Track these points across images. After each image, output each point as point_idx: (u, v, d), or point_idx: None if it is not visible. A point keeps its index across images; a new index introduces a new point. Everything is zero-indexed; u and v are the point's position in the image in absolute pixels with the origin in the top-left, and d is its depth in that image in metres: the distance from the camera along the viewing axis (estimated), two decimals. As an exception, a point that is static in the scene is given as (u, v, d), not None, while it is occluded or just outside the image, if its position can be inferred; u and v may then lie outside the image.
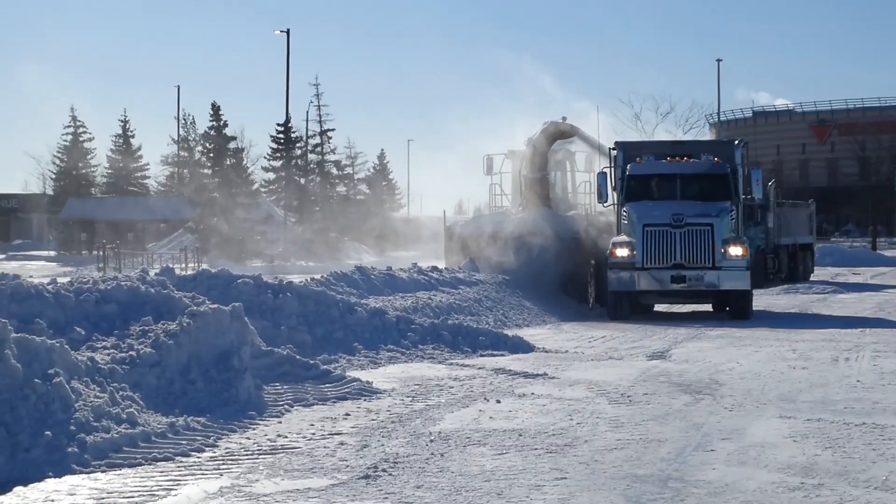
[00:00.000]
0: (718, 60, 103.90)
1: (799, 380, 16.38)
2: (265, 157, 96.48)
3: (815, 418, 12.93)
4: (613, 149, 31.44)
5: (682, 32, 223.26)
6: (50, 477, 9.93)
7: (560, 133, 35.31)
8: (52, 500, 9.24)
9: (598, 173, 31.46)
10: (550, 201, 34.73)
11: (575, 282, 31.64)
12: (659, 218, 28.46)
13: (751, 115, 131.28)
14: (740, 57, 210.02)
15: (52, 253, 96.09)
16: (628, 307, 28.78)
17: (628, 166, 30.30)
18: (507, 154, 36.39)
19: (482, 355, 19.81)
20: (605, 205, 31.60)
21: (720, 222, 28.35)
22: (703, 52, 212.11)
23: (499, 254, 32.06)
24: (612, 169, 30.99)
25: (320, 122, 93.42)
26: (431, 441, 11.59)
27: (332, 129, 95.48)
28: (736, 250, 28.23)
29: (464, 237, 33.77)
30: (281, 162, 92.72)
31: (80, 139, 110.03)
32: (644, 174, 30.03)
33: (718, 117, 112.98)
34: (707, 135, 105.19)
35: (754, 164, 31.94)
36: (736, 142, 32.01)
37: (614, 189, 30.75)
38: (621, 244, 28.66)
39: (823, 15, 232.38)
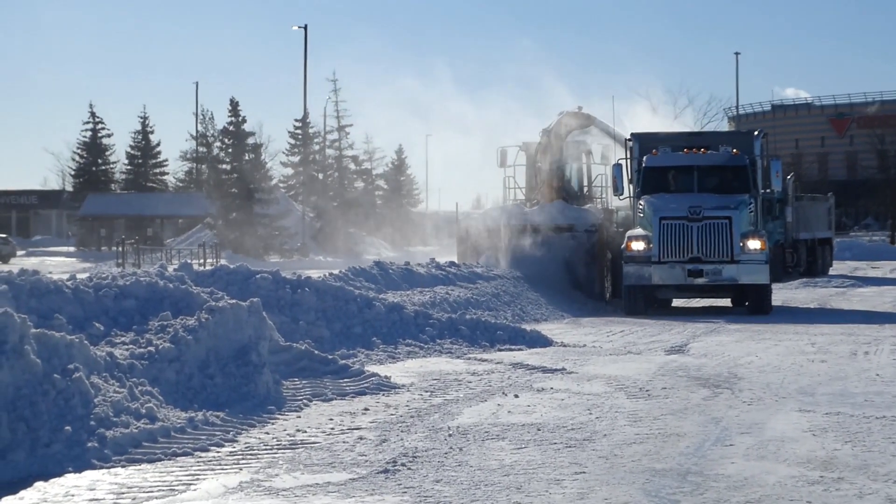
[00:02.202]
0: (737, 54, 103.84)
1: (818, 373, 16.35)
2: (283, 153, 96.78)
3: (835, 412, 12.90)
4: (630, 140, 31.14)
5: (700, 26, 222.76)
6: (70, 472, 9.96)
7: (577, 123, 34.98)
8: (73, 495, 9.26)
9: (614, 165, 31.10)
10: (566, 193, 34.42)
11: (591, 276, 31.34)
12: (676, 211, 28.09)
13: (769, 108, 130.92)
14: (759, 50, 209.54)
15: (72, 249, 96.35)
16: (644, 302, 28.40)
17: (644, 158, 29.90)
18: (521, 146, 35.84)
19: (500, 350, 19.80)
20: (620, 197, 31.22)
21: (738, 215, 27.95)
22: (722, 46, 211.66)
23: (512, 247, 31.72)
24: (628, 161, 30.69)
25: (338, 117, 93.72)
26: (450, 435, 11.59)
27: (350, 125, 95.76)
28: (755, 244, 27.85)
29: (476, 231, 33.39)
30: (299, 157, 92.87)
31: (99, 135, 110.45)
32: (660, 166, 29.67)
33: (737, 111, 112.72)
34: (725, 128, 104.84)
35: (773, 156, 31.49)
36: (755, 133, 31.56)
37: (630, 181, 30.43)
38: (637, 238, 28.30)
39: (842, 7, 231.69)
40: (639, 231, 28.67)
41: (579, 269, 31.20)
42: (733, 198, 28.47)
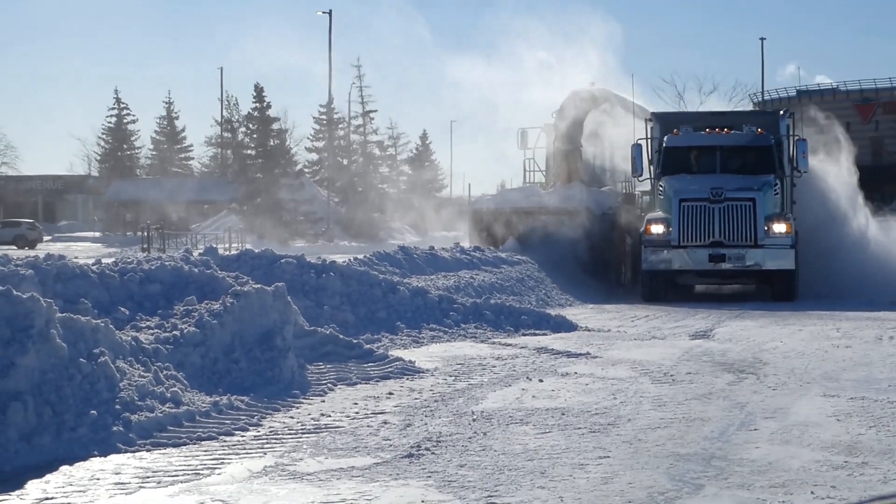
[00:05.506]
0: (762, 39, 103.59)
1: (843, 358, 16.30)
2: (308, 138, 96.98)
3: (859, 397, 12.86)
4: (650, 120, 30.49)
5: (725, 10, 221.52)
6: (95, 456, 10.00)
7: (592, 100, 34.44)
8: (98, 479, 9.30)
9: (633, 145, 30.08)
10: (585, 176, 33.87)
11: (607, 260, 30.84)
12: (697, 192, 27.30)
13: (794, 93, 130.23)
14: (784, 35, 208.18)
15: (97, 234, 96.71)
16: (663, 288, 27.83)
17: (665, 138, 29.10)
18: (542, 127, 35.26)
19: (525, 334, 19.80)
20: (639, 179, 30.45)
21: (763, 197, 27.24)
22: (747, 31, 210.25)
23: (525, 231, 31.22)
24: (649, 141, 30.03)
25: (362, 102, 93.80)
26: (474, 420, 11.60)
27: (375, 110, 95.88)
28: (780, 227, 27.18)
29: (489, 214, 32.84)
30: (324, 143, 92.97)
31: (125, 121, 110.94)
32: (682, 146, 28.86)
33: (762, 96, 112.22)
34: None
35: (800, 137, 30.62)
36: (781, 112, 30.88)
37: (650, 162, 29.81)
38: (656, 220, 27.58)
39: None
40: (658, 214, 27.98)
41: (595, 253, 30.65)
42: (757, 179, 27.75)
